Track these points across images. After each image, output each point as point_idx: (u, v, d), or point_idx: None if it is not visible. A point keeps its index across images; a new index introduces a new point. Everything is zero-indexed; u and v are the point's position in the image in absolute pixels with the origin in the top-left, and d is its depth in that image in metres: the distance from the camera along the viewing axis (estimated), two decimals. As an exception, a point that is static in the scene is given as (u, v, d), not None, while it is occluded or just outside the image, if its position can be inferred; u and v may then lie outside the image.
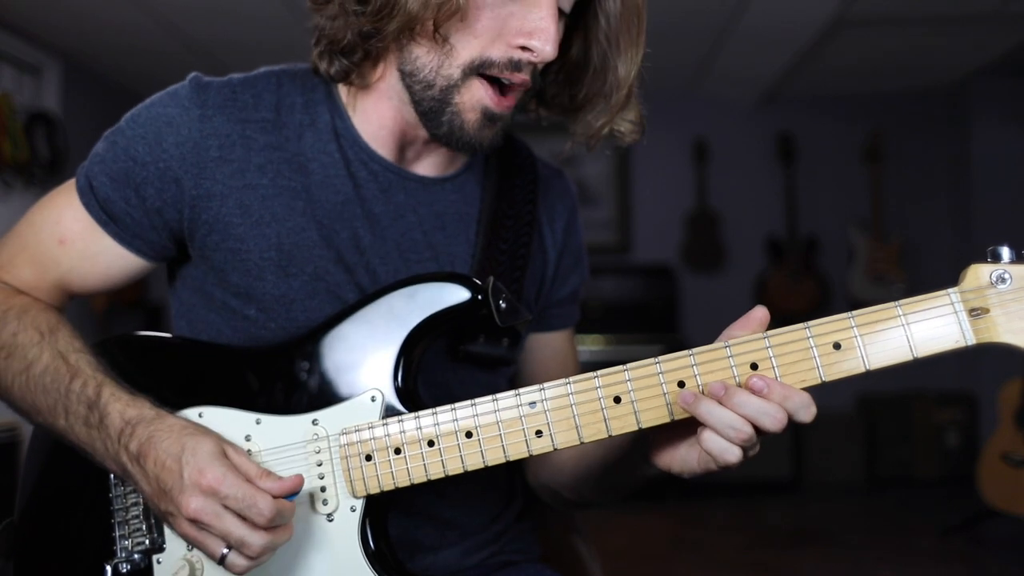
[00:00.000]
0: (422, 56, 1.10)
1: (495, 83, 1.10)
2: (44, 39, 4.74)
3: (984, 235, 5.49)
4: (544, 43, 1.06)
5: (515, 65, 1.08)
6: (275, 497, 0.97)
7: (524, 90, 1.12)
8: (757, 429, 0.93)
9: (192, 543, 0.99)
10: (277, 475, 1.00)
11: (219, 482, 0.96)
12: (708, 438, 0.94)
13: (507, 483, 1.32)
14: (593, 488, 1.24)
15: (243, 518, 0.96)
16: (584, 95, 1.21)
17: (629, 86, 1.17)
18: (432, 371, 1.18)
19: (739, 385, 0.95)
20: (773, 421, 0.92)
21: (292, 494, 0.99)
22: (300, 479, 1.00)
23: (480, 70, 1.08)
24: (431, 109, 1.11)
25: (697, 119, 6.14)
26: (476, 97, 1.09)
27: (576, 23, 1.18)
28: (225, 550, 0.96)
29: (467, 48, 1.07)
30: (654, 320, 5.72)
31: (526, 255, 1.26)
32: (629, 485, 1.18)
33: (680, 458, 1.01)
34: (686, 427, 0.99)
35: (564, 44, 1.16)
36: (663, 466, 1.04)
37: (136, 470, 1.00)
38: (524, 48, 1.07)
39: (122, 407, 1.03)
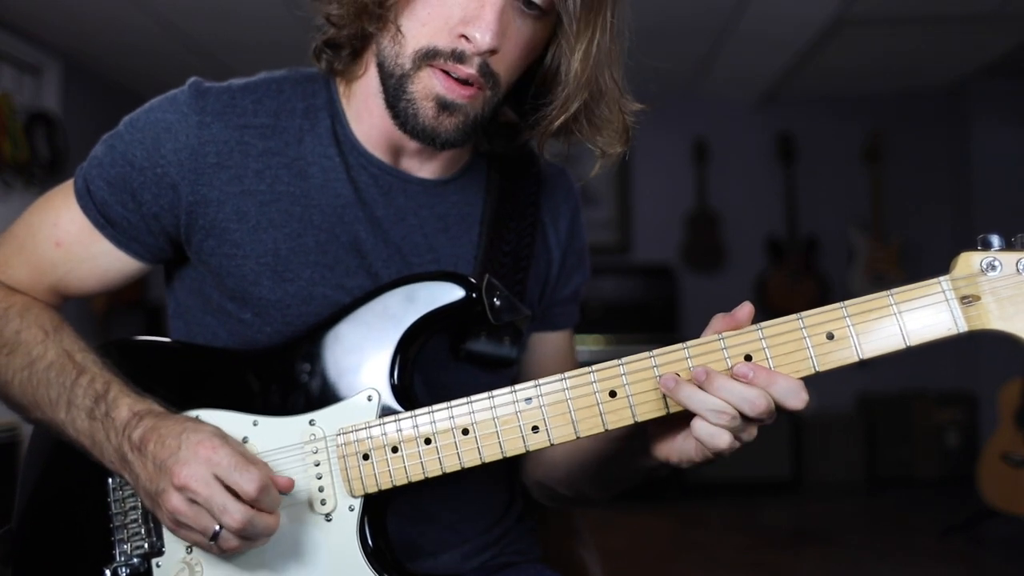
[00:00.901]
0: (386, 47, 1.10)
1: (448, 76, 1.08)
2: (44, 39, 4.75)
3: (984, 235, 5.47)
4: (483, 33, 1.03)
5: (459, 56, 1.06)
6: None
7: (484, 89, 1.08)
8: (743, 416, 0.92)
9: (182, 523, 0.98)
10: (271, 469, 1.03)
11: (214, 450, 0.98)
12: (696, 425, 0.94)
13: (508, 486, 1.32)
14: (589, 483, 1.23)
15: (230, 491, 0.96)
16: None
17: (582, 77, 1.10)
18: (434, 372, 1.18)
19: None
20: (753, 407, 0.91)
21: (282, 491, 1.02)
22: (291, 481, 1.02)
23: (428, 60, 1.07)
24: (392, 99, 1.11)
25: (697, 119, 6.14)
26: (428, 86, 1.08)
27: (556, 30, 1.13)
28: (217, 527, 0.96)
29: (416, 37, 1.07)
30: (654, 320, 5.71)
31: (529, 255, 1.26)
32: (627, 478, 1.17)
33: (678, 449, 1.01)
34: (683, 418, 0.99)
35: (543, 53, 1.13)
36: (662, 457, 1.03)
37: (135, 458, 1.01)
38: (466, 38, 1.05)
39: (131, 401, 1.05)
